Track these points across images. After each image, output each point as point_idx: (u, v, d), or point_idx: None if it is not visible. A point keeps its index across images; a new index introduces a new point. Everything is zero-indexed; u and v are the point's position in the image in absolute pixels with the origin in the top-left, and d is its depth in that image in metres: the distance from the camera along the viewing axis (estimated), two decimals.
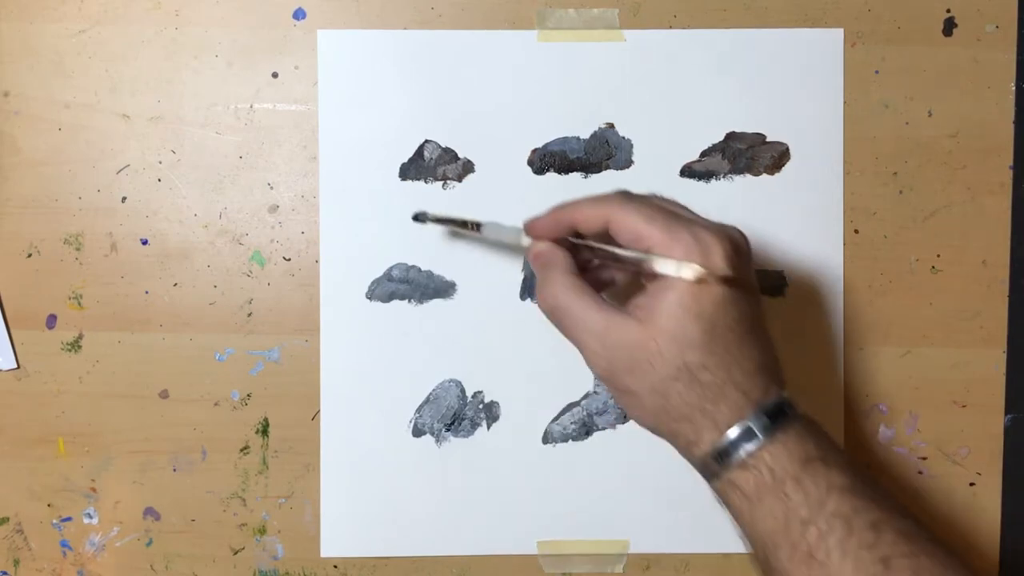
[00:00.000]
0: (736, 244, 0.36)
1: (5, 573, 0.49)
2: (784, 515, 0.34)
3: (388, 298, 0.49)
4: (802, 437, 0.35)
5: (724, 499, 0.36)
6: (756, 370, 0.36)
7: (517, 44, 0.48)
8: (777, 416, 0.35)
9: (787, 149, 0.49)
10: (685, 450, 0.36)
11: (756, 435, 0.34)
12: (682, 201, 0.49)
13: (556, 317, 0.38)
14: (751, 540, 0.35)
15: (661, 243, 0.35)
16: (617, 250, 0.37)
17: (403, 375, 0.49)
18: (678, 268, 0.35)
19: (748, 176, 0.48)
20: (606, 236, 0.38)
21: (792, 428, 0.35)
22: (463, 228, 0.44)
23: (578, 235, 0.39)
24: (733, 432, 0.35)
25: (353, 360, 0.49)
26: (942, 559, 0.33)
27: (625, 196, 0.38)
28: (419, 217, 0.46)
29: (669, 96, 0.48)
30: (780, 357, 0.38)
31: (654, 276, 0.36)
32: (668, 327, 0.35)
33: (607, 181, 0.48)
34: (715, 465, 0.35)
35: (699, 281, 0.35)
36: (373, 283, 0.48)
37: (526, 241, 0.40)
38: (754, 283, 0.37)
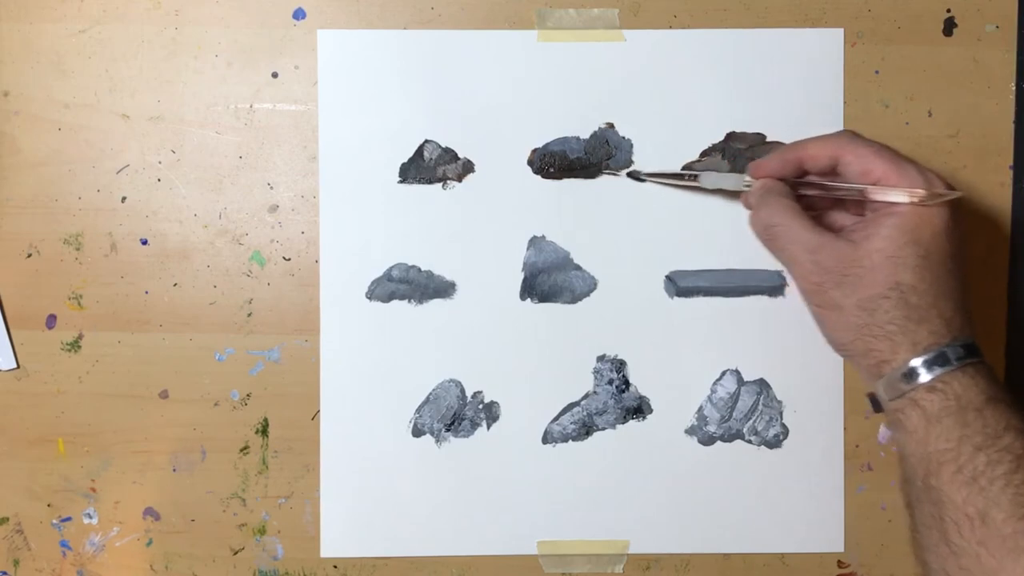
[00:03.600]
0: (956, 188, 0.39)
1: (5, 573, 0.49)
2: (959, 438, 0.36)
3: (388, 298, 0.49)
4: (990, 377, 0.37)
5: (898, 418, 0.38)
6: (959, 306, 0.38)
7: (517, 44, 0.48)
8: (970, 352, 0.37)
9: None
10: (874, 368, 0.39)
11: (950, 361, 0.37)
12: (681, 200, 0.49)
13: (770, 235, 0.41)
14: (915, 459, 0.37)
15: (889, 174, 0.38)
16: (842, 184, 0.40)
17: (403, 375, 0.49)
18: (908, 195, 0.37)
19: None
20: (828, 176, 0.41)
21: (982, 367, 0.37)
22: (680, 181, 0.47)
23: (801, 175, 0.42)
24: (930, 354, 0.37)
25: (353, 360, 0.49)
26: None
27: (853, 134, 0.41)
28: (633, 175, 0.48)
29: (669, 96, 0.48)
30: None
31: (872, 210, 0.39)
32: (885, 247, 0.38)
33: (607, 181, 0.48)
34: (902, 383, 0.37)
35: (923, 205, 0.37)
36: (373, 283, 0.48)
37: (747, 184, 0.43)
38: (965, 235, 0.40)
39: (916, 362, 0.37)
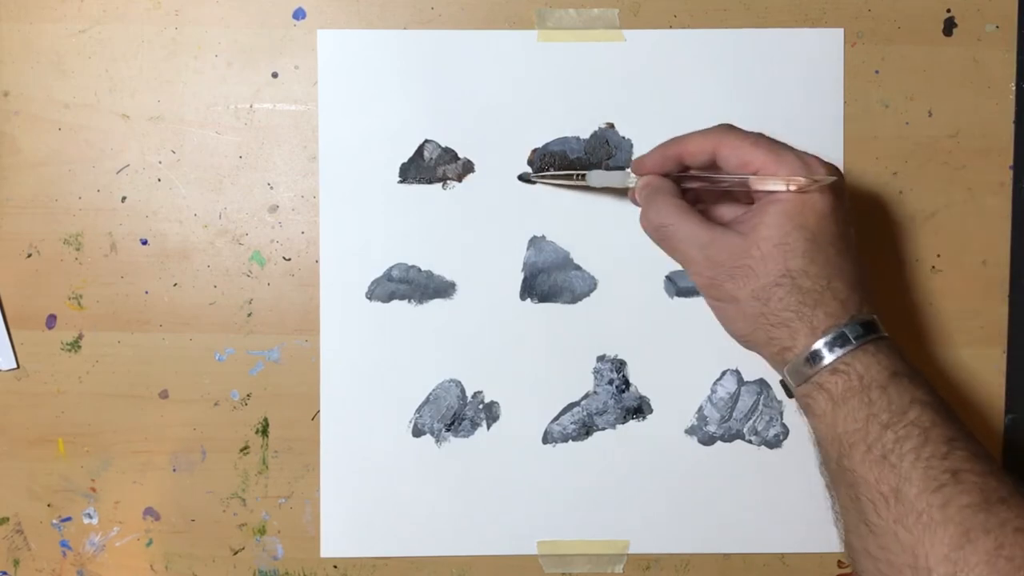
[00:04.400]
0: (837, 170, 0.39)
1: (5, 573, 0.49)
2: (865, 418, 0.35)
3: (388, 298, 0.49)
4: (892, 353, 0.37)
5: (806, 403, 0.38)
6: (853, 285, 0.38)
7: (517, 44, 0.48)
8: (870, 330, 0.37)
9: None
10: (777, 356, 0.38)
11: (850, 341, 0.36)
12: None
13: (661, 235, 0.41)
14: (827, 442, 0.37)
15: (768, 164, 0.38)
16: (724, 176, 0.40)
17: (403, 375, 0.49)
18: (786, 183, 0.37)
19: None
20: (710, 170, 0.41)
21: (883, 343, 0.37)
22: (568, 180, 0.47)
23: (683, 170, 0.42)
24: (829, 336, 0.37)
25: (353, 360, 0.49)
26: (1011, 487, 0.33)
27: (730, 127, 0.41)
28: (524, 177, 0.48)
29: (669, 96, 0.48)
30: None
31: (757, 200, 0.39)
32: (772, 236, 0.38)
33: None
34: (806, 368, 0.37)
35: (804, 190, 0.37)
36: (373, 283, 0.48)
37: (632, 180, 0.43)
38: (850, 214, 0.40)
39: (817, 345, 0.37)
